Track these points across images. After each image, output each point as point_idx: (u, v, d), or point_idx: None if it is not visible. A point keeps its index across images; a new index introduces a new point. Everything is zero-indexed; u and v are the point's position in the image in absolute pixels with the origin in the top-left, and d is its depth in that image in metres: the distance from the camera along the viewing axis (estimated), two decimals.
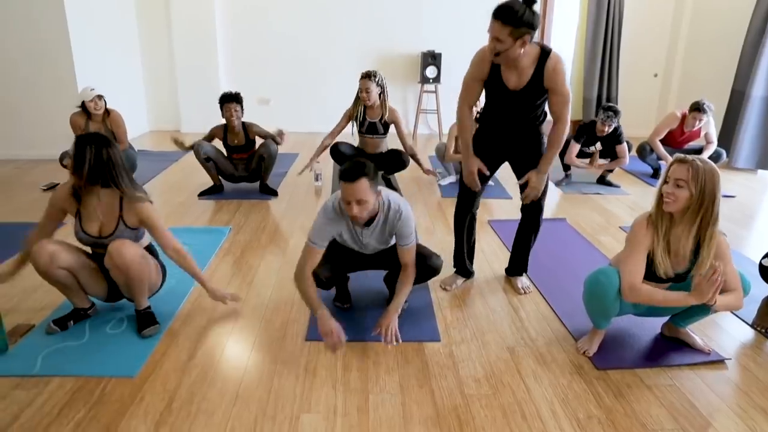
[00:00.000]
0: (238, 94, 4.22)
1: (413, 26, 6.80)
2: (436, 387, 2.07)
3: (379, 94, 4.26)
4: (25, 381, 2.05)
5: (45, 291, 2.74)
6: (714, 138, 4.94)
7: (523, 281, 2.90)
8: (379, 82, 4.23)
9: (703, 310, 2.21)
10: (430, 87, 6.80)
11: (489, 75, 2.45)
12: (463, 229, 2.86)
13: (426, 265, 2.45)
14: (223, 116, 4.21)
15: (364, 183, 2.10)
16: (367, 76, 4.19)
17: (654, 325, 2.48)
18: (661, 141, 5.01)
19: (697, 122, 4.77)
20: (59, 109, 5.35)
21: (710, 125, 4.90)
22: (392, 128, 4.37)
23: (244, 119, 4.29)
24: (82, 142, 2.22)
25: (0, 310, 2.43)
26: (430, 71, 6.62)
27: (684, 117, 4.87)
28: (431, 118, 7.14)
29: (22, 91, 5.33)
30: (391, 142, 4.57)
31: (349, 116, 4.38)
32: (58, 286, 2.34)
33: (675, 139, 5.01)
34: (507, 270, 3.01)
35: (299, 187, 4.66)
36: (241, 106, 4.21)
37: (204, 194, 4.36)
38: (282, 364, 2.19)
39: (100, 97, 4.29)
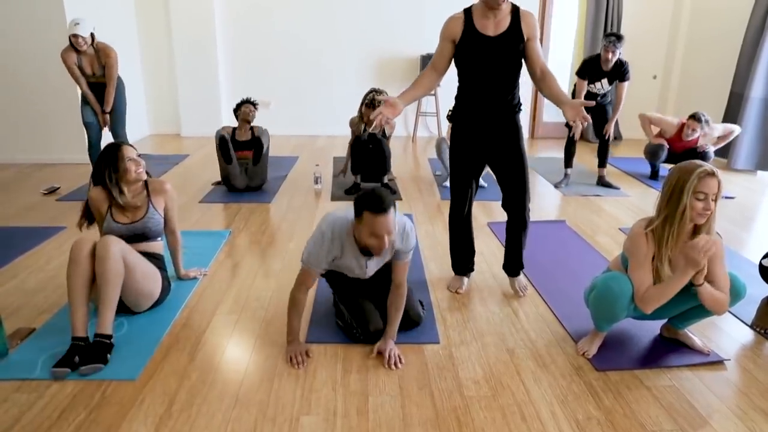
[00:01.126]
0: (255, 100, 4.73)
1: (414, 29, 6.79)
2: (435, 389, 2.08)
3: None
4: (26, 384, 2.05)
5: (45, 295, 2.75)
6: (727, 128, 4.99)
7: (521, 282, 2.89)
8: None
9: (701, 311, 2.22)
10: None
11: (463, 32, 2.49)
12: (460, 232, 2.86)
13: (408, 317, 2.42)
14: (237, 117, 4.61)
15: (392, 213, 2.05)
16: (371, 105, 4.51)
17: (653, 326, 2.48)
18: None
19: (690, 131, 4.83)
20: (61, 113, 5.38)
21: (714, 129, 4.94)
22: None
23: None
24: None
25: (0, 314, 2.43)
26: None
27: (682, 126, 4.91)
28: (431, 120, 7.15)
29: (24, 96, 5.34)
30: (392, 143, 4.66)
31: (354, 125, 4.71)
32: (78, 281, 2.21)
33: (672, 146, 5.03)
34: (504, 268, 2.97)
35: (299, 190, 4.67)
36: (255, 108, 4.67)
37: (217, 183, 4.75)
38: (282, 367, 2.19)
39: (81, 37, 4.08)
